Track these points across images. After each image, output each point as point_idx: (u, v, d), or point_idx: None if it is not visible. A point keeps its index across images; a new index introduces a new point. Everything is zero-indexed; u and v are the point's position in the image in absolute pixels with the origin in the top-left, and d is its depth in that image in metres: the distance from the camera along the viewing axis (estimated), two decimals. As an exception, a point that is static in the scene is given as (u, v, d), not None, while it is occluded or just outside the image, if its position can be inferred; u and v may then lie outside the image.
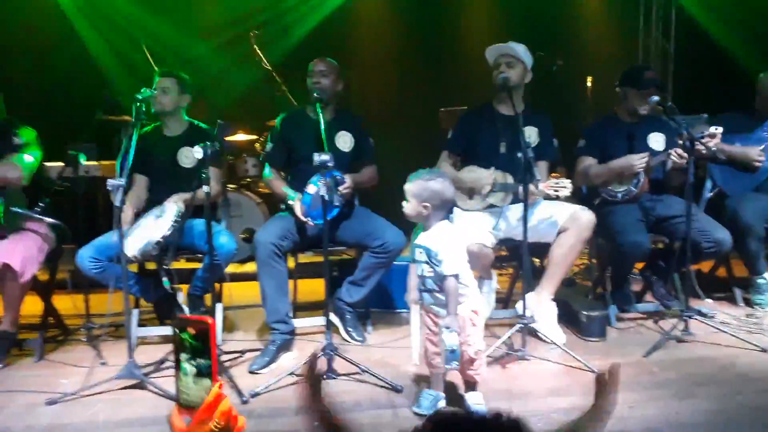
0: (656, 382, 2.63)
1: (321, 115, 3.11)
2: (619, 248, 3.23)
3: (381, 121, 4.86)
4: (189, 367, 1.02)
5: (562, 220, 3.09)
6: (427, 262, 2.33)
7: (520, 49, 3.23)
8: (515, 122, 2.97)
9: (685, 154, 3.00)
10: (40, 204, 3.04)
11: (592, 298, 3.59)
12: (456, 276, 2.27)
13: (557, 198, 2.90)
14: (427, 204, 2.32)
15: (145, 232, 2.94)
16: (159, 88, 3.23)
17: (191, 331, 1.00)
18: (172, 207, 2.98)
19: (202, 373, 1.01)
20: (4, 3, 5.23)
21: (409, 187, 2.36)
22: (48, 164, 3.47)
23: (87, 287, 3.23)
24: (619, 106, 3.46)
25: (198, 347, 1.00)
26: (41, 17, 5.34)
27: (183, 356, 1.02)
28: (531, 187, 2.80)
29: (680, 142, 3.07)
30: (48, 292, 3.23)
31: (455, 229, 2.40)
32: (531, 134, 3.25)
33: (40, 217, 2.98)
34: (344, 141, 3.32)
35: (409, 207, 2.36)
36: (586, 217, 3.09)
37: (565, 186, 2.87)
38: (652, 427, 2.28)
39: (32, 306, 3.21)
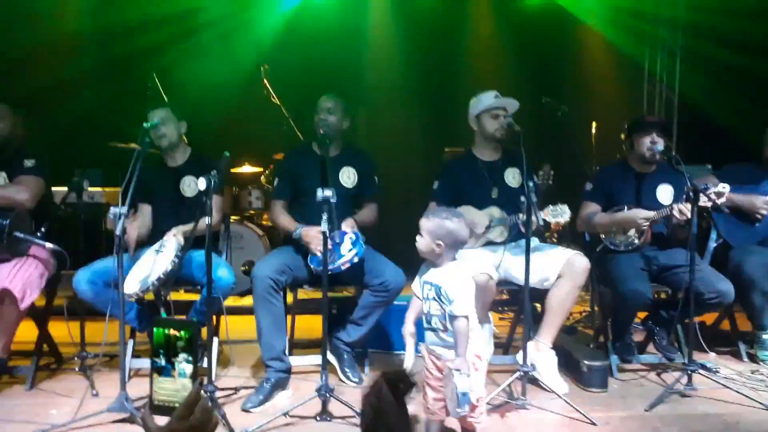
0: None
1: (326, 151, 3.14)
2: (621, 297, 3.20)
3: (385, 159, 4.88)
4: (187, 368, 1.02)
5: (557, 266, 3.06)
6: (435, 299, 2.30)
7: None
8: (499, 167, 3.29)
9: (686, 212, 3.01)
10: (42, 229, 3.05)
11: (594, 347, 3.54)
12: (466, 317, 2.24)
13: (557, 225, 2.89)
14: (441, 243, 2.30)
15: (145, 269, 2.92)
16: (159, 120, 3.19)
17: (180, 333, 1.02)
18: (172, 242, 2.97)
19: (195, 372, 1.02)
20: (24, 30, 5.36)
21: (426, 223, 2.34)
22: (53, 189, 3.48)
23: (83, 314, 3.19)
24: (631, 155, 3.48)
25: (191, 347, 1.02)
26: (58, 44, 5.46)
27: (181, 357, 1.02)
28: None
29: (682, 198, 3.07)
30: (44, 318, 3.20)
31: (468, 270, 2.38)
32: (515, 175, 3.33)
33: (42, 242, 2.98)
34: (348, 177, 3.32)
35: (422, 242, 2.34)
36: (580, 263, 3.07)
37: (564, 211, 2.86)
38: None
39: (27, 332, 3.17)
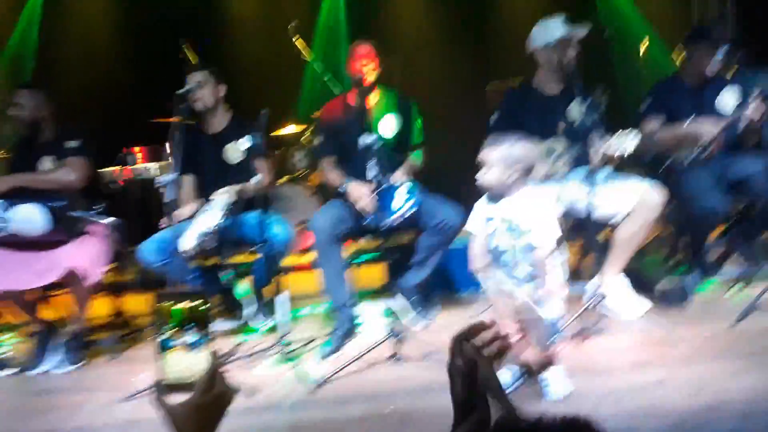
0: (753, 351, 2.43)
1: (361, 98, 3.03)
2: (695, 214, 3.03)
3: (424, 101, 4.77)
4: (203, 341, 1.01)
5: (630, 202, 2.86)
6: (506, 233, 2.19)
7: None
8: (563, 100, 3.02)
9: (758, 113, 2.80)
10: (97, 206, 3.10)
11: (670, 265, 3.39)
12: (547, 245, 2.13)
13: (624, 152, 2.71)
14: (516, 168, 2.19)
15: (198, 225, 2.94)
16: (193, 83, 3.15)
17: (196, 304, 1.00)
18: (221, 197, 2.96)
19: (207, 344, 1.01)
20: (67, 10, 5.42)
21: (492, 153, 2.20)
22: (104, 170, 3.54)
23: (155, 286, 3.27)
24: (684, 67, 3.25)
25: (207, 319, 1.01)
26: (101, 24, 5.53)
27: (198, 331, 1.00)
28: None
29: (751, 99, 2.85)
30: (118, 292, 3.30)
31: (545, 194, 2.24)
32: (579, 107, 3.08)
33: (98, 218, 3.04)
34: (390, 125, 3.22)
35: (491, 175, 2.20)
36: (655, 198, 2.86)
37: (631, 138, 2.68)
38: (759, 395, 2.09)
39: (104, 306, 3.29)
